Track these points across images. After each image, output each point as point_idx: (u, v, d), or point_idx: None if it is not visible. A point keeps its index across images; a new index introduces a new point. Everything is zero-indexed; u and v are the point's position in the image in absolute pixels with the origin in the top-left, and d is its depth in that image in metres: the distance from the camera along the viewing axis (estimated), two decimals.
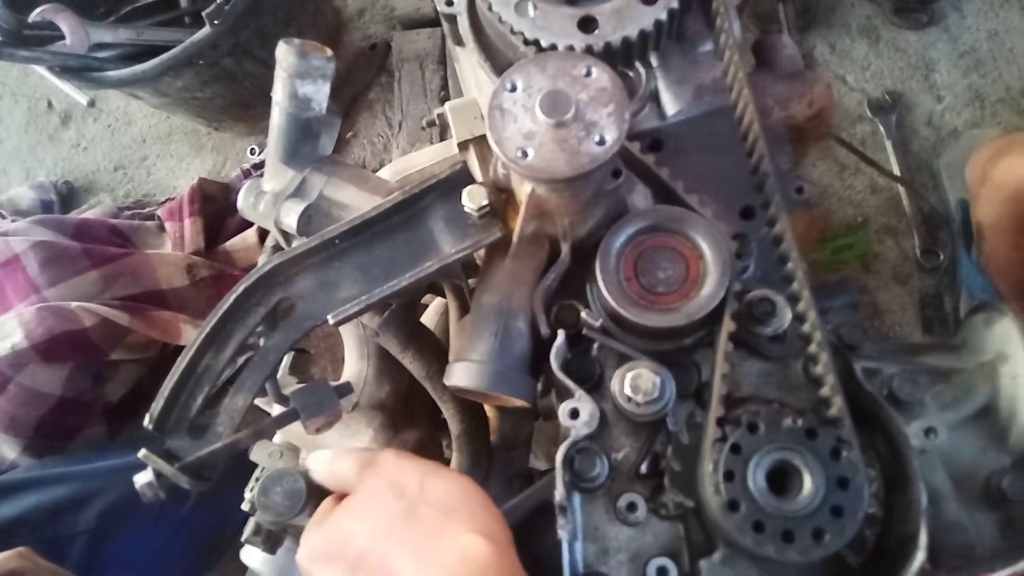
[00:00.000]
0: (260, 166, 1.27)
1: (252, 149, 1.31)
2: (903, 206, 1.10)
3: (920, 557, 0.41)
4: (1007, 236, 0.96)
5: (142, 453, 0.45)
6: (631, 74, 0.58)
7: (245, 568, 1.12)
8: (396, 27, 1.30)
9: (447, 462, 0.72)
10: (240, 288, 0.48)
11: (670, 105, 0.58)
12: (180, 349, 0.91)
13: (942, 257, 1.06)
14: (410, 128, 1.22)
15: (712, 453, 0.43)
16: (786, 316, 0.48)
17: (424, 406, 0.71)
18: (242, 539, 0.65)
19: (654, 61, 0.57)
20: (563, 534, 0.44)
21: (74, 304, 1.04)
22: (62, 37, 1.05)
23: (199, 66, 1.06)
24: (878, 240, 1.10)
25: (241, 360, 0.51)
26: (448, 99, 1.19)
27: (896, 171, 1.11)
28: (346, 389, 0.50)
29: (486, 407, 0.59)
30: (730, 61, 0.51)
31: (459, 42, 0.64)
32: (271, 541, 0.63)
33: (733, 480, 0.43)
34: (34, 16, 1.02)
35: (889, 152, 1.12)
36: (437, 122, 0.67)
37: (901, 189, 1.10)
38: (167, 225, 1.19)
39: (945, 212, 1.07)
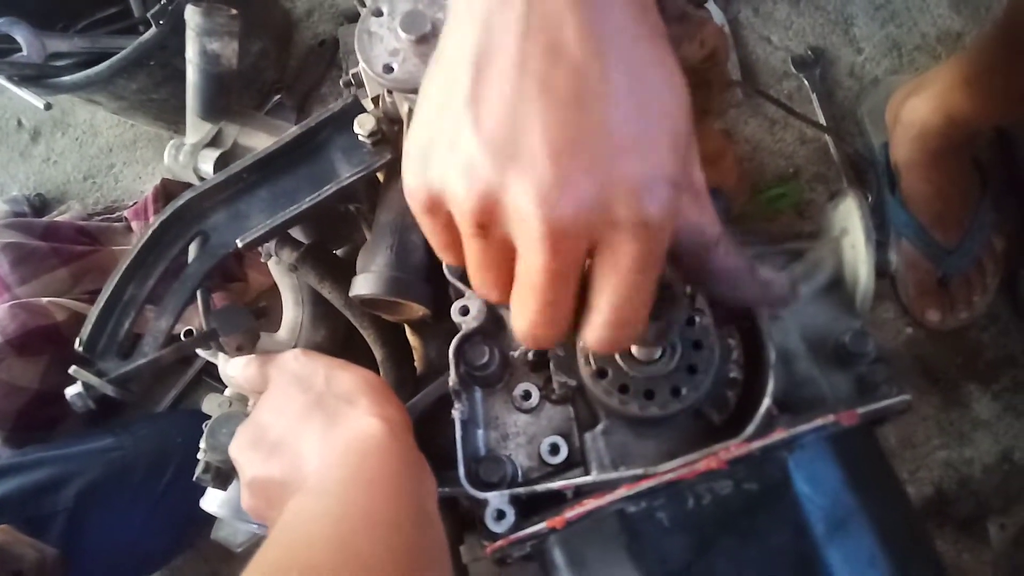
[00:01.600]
0: None
1: None
2: (831, 154, 1.15)
3: (766, 402, 0.46)
4: (920, 171, 1.01)
5: (72, 369, 0.50)
6: None
7: (204, 552, 1.17)
8: (342, 22, 1.36)
9: None
10: (156, 222, 0.53)
11: None
12: None
13: (869, 199, 1.11)
14: None
15: None
16: None
17: (361, 350, 0.76)
18: (193, 478, 0.69)
19: None
20: (456, 414, 0.49)
21: (45, 300, 1.09)
22: (19, 49, 1.11)
23: (151, 67, 1.12)
24: (810, 188, 1.15)
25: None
26: None
27: (822, 121, 1.16)
28: (261, 312, 0.55)
29: (407, 331, 0.64)
30: None
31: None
32: (220, 477, 0.67)
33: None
34: None
35: (815, 104, 1.17)
36: (353, 81, 0.73)
37: (828, 138, 1.15)
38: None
39: (870, 156, 1.12)
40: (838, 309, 0.51)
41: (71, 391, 0.49)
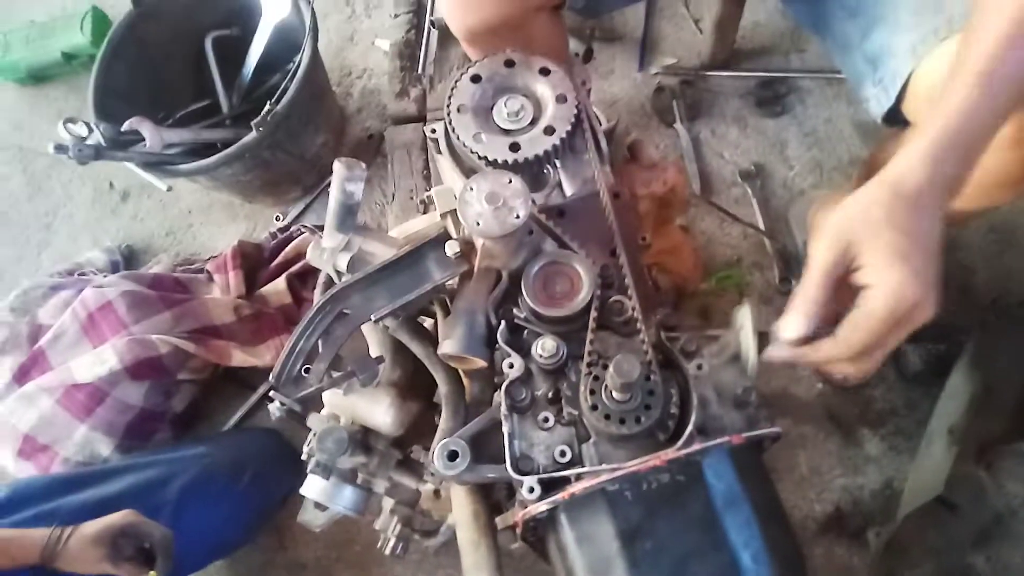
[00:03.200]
0: (284, 229, 1.64)
1: (277, 216, 1.68)
2: (766, 247, 1.50)
3: (690, 428, 0.77)
4: None
5: (272, 393, 0.80)
6: (545, 172, 0.97)
7: (280, 531, 1.44)
8: (388, 122, 1.69)
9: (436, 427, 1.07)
10: (320, 302, 0.84)
11: (568, 189, 0.96)
12: (228, 370, 1.31)
13: (793, 284, 1.45)
14: (401, 198, 1.59)
15: (585, 381, 0.80)
16: (628, 309, 0.85)
17: (423, 387, 1.07)
18: (307, 470, 0.99)
19: (558, 164, 0.96)
20: (505, 430, 0.80)
21: (153, 336, 1.38)
22: (143, 139, 1.42)
23: (245, 159, 1.44)
24: (749, 273, 1.49)
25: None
26: (429, 176, 1.58)
27: (760, 223, 1.51)
28: (380, 360, 0.87)
29: (462, 375, 0.95)
30: (596, 165, 0.89)
31: (439, 152, 1.02)
32: (327, 471, 0.98)
33: (595, 394, 0.79)
34: (125, 126, 1.39)
35: (755, 208, 1.52)
36: (426, 200, 1.05)
37: (765, 237, 1.50)
38: (215, 277, 1.55)
39: (795, 251, 1.47)
40: (737, 373, 0.83)
41: (273, 407, 0.79)
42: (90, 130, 1.34)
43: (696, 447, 0.77)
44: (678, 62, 1.66)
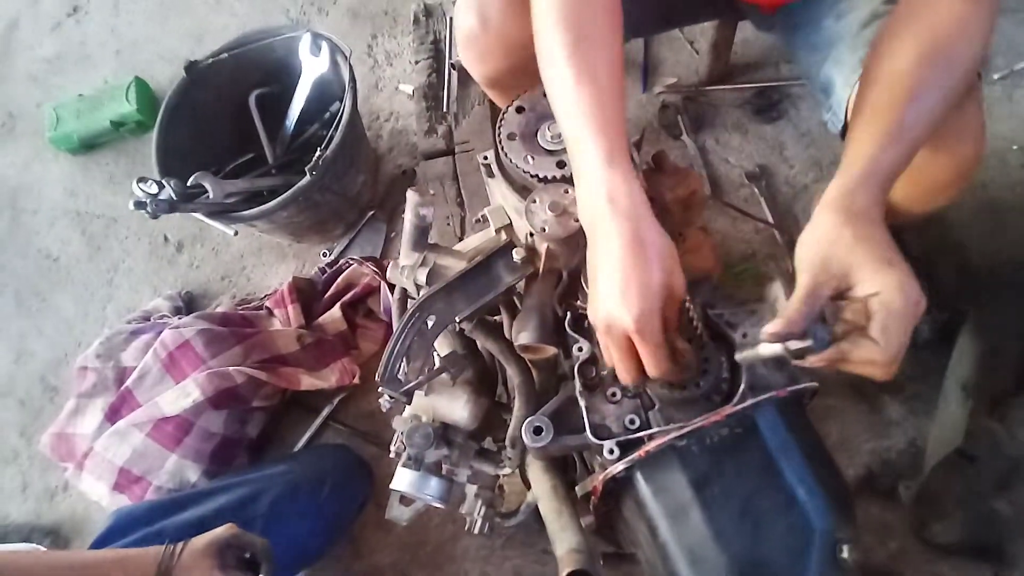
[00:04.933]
0: (333, 264, 1.77)
1: (323, 252, 1.82)
2: (777, 240, 1.64)
3: (743, 387, 0.90)
4: None
5: (381, 388, 0.93)
6: None
7: (356, 541, 1.55)
8: (418, 158, 1.84)
9: (504, 423, 1.19)
10: (412, 309, 0.98)
11: None
12: (293, 397, 1.44)
13: None
14: (438, 225, 1.73)
15: None
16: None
17: (490, 385, 1.20)
18: (399, 464, 1.11)
19: None
20: (582, 402, 0.93)
21: (230, 368, 1.51)
22: (205, 192, 1.57)
23: (299, 201, 1.58)
24: (764, 264, 1.63)
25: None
26: (462, 203, 1.72)
27: (769, 218, 1.65)
28: (465, 356, 1.00)
29: (531, 368, 1.08)
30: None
31: (491, 175, 1.16)
32: (417, 462, 1.10)
33: None
34: (191, 181, 1.54)
35: (763, 205, 1.67)
36: (481, 219, 1.19)
37: (775, 230, 1.64)
38: (275, 311, 1.68)
39: None
40: None
41: (383, 401, 0.92)
42: (160, 187, 1.48)
43: (749, 402, 0.90)
44: (679, 81, 1.82)
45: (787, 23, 1.24)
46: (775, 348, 0.77)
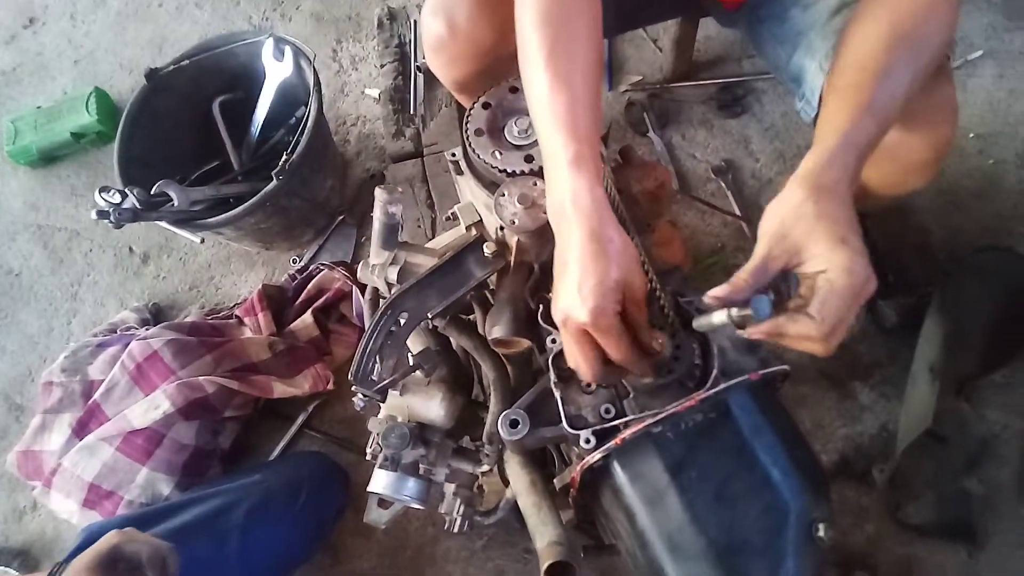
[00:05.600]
0: (303, 270, 1.75)
1: (293, 259, 1.81)
2: (745, 231, 1.66)
3: (715, 373, 0.91)
4: None
5: (354, 387, 0.92)
6: None
7: (335, 548, 1.53)
8: (386, 161, 1.83)
9: (480, 421, 1.19)
10: (383, 307, 0.97)
11: None
12: (266, 406, 1.42)
13: None
14: (409, 228, 1.73)
15: None
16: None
17: (466, 383, 1.20)
18: (376, 466, 1.10)
19: None
20: (557, 395, 0.93)
21: (200, 378, 1.49)
22: (170, 200, 1.54)
23: (266, 207, 1.56)
24: (732, 256, 1.65)
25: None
26: (432, 206, 1.72)
27: (737, 211, 1.67)
28: (438, 352, 0.99)
29: (506, 363, 1.08)
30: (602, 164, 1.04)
31: (459, 172, 1.16)
32: (394, 463, 1.09)
33: None
34: (155, 189, 1.51)
35: (731, 199, 1.69)
36: (451, 216, 1.19)
37: (742, 222, 1.66)
38: (245, 320, 1.66)
39: None
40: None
41: (357, 400, 0.91)
42: (123, 196, 1.45)
43: (722, 386, 0.90)
44: (643, 79, 1.83)
45: (751, 18, 1.26)
46: (723, 316, 0.76)
